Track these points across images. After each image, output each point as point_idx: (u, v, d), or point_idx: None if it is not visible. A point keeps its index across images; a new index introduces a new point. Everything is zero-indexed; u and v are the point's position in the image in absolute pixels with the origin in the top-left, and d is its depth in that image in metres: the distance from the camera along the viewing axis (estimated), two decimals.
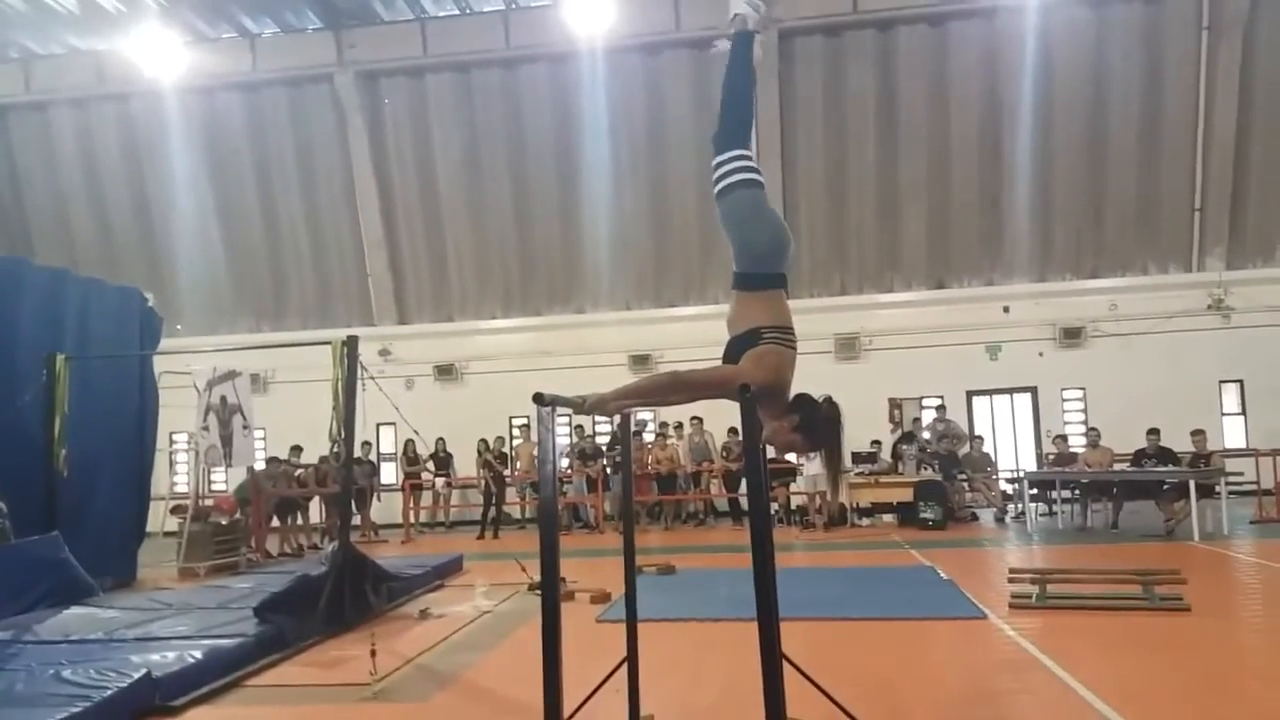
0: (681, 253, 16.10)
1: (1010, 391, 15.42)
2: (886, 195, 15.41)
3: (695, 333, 13.18)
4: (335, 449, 8.28)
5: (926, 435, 13.85)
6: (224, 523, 11.07)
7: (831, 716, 3.61)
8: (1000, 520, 12.68)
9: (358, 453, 11.73)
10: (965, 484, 13.21)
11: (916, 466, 13.04)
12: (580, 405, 3.01)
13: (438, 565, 9.16)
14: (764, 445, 3.26)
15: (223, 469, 12.98)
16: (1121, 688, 4.42)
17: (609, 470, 13.88)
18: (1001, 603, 6.54)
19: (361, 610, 6.91)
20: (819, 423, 3.19)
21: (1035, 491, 12.50)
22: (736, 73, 3.47)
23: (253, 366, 12.70)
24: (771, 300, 3.21)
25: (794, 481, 13.15)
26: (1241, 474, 11.76)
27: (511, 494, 14.82)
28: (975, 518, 12.96)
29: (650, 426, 14.97)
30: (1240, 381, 14.76)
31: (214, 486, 15.24)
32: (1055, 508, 12.36)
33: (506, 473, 14.59)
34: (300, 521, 13.08)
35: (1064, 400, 15.17)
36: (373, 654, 4.99)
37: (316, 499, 13.44)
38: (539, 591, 2.99)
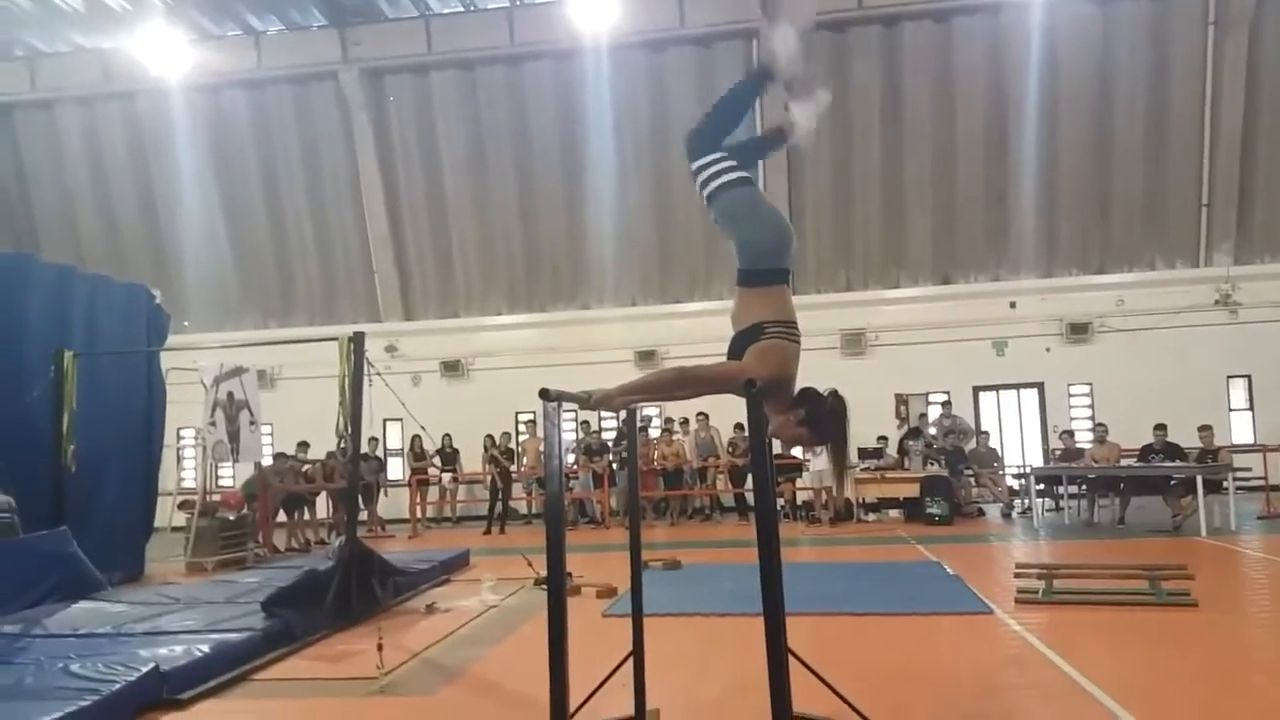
0: (686, 249, 16.09)
1: (1017, 387, 15.40)
2: (892, 191, 15.38)
3: (700, 328, 13.19)
4: (342, 445, 8.32)
5: (933, 431, 13.83)
6: (231, 518, 11.11)
7: (837, 711, 3.62)
8: (1007, 516, 12.65)
9: (364, 448, 11.80)
10: (972, 479, 13.18)
11: (923, 462, 13.04)
12: (586, 401, 3.02)
13: (444, 560, 9.16)
14: (770, 439, 3.27)
15: (230, 464, 12.96)
16: (1128, 683, 4.41)
17: (615, 466, 13.89)
18: (1008, 598, 6.53)
19: (368, 605, 6.93)
20: (825, 416, 3.20)
21: (1042, 487, 12.48)
22: (744, 93, 3.49)
23: (260, 362, 12.72)
24: (774, 295, 3.21)
25: (800, 477, 13.14)
26: (1249, 469, 11.74)
27: (518, 489, 14.85)
28: (982, 513, 12.94)
29: (656, 422, 14.98)
30: (1248, 377, 14.71)
31: (221, 482, 15.29)
32: (1062, 503, 12.32)
33: (513, 468, 14.61)
34: (307, 517, 13.10)
35: (1071, 396, 15.14)
36: (380, 648, 5.00)
37: (323, 494, 13.48)
38: (545, 586, 2.99)
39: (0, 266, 8.81)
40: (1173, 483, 10.70)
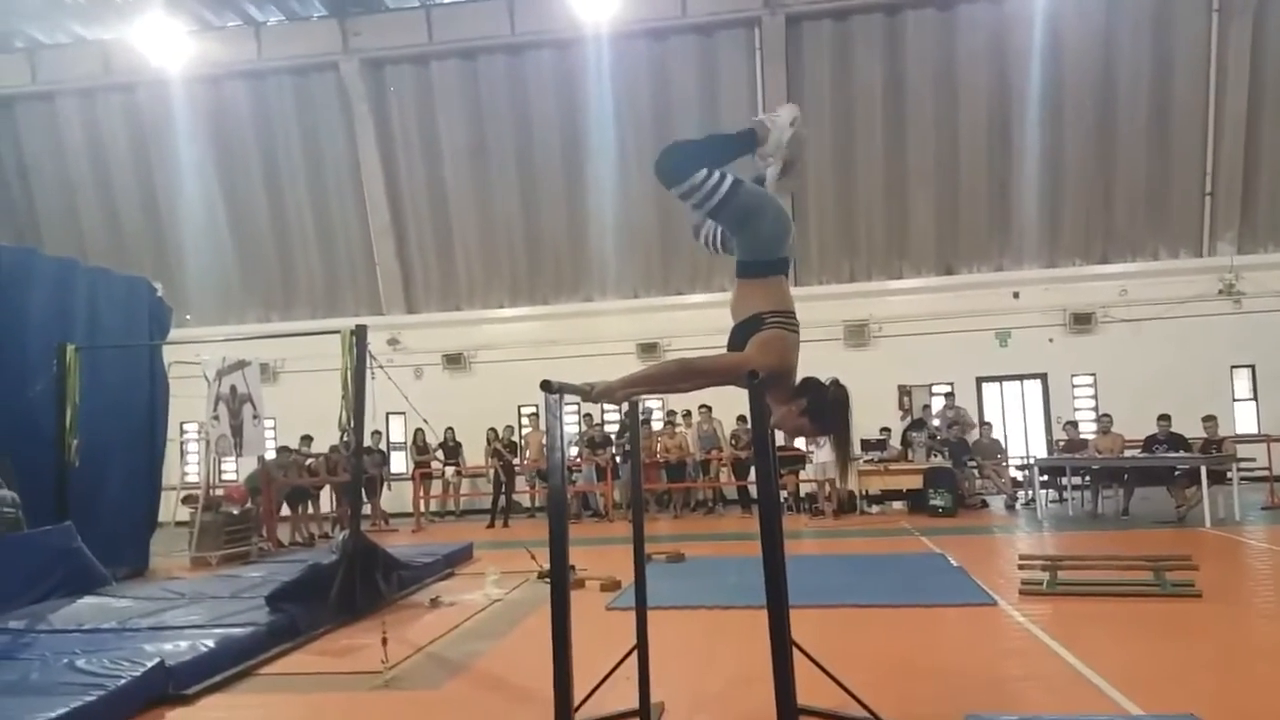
0: (688, 240, 15.85)
1: (1020, 378, 15.37)
2: (895, 181, 15.33)
3: (703, 320, 13.15)
4: (345, 438, 8.32)
5: (936, 422, 13.82)
6: (235, 512, 11.12)
7: (842, 703, 3.61)
8: (1010, 507, 12.64)
9: (367, 442, 11.81)
10: (975, 471, 13.17)
11: (926, 454, 13.02)
12: (588, 393, 3.01)
13: (448, 554, 9.17)
14: (773, 430, 3.25)
15: (233, 458, 13.01)
16: (1132, 674, 4.40)
17: (618, 458, 13.89)
18: (1012, 589, 6.53)
19: (372, 599, 6.94)
20: (827, 405, 3.20)
21: (1046, 478, 12.44)
22: (726, 150, 3.24)
23: (262, 356, 12.73)
24: (772, 285, 3.20)
25: (803, 469, 13.14)
26: (1253, 460, 11.71)
27: (521, 482, 14.86)
28: (985, 505, 12.94)
29: (658, 415, 14.98)
30: (1252, 367, 14.68)
31: (225, 476, 15.32)
32: (1066, 494, 12.31)
33: (516, 461, 14.62)
34: (311, 510, 13.12)
35: (1074, 386, 15.11)
36: (384, 642, 5.00)
37: (327, 488, 13.52)
38: (549, 579, 2.99)
39: (3, 261, 8.79)
40: (1177, 473, 10.67)
